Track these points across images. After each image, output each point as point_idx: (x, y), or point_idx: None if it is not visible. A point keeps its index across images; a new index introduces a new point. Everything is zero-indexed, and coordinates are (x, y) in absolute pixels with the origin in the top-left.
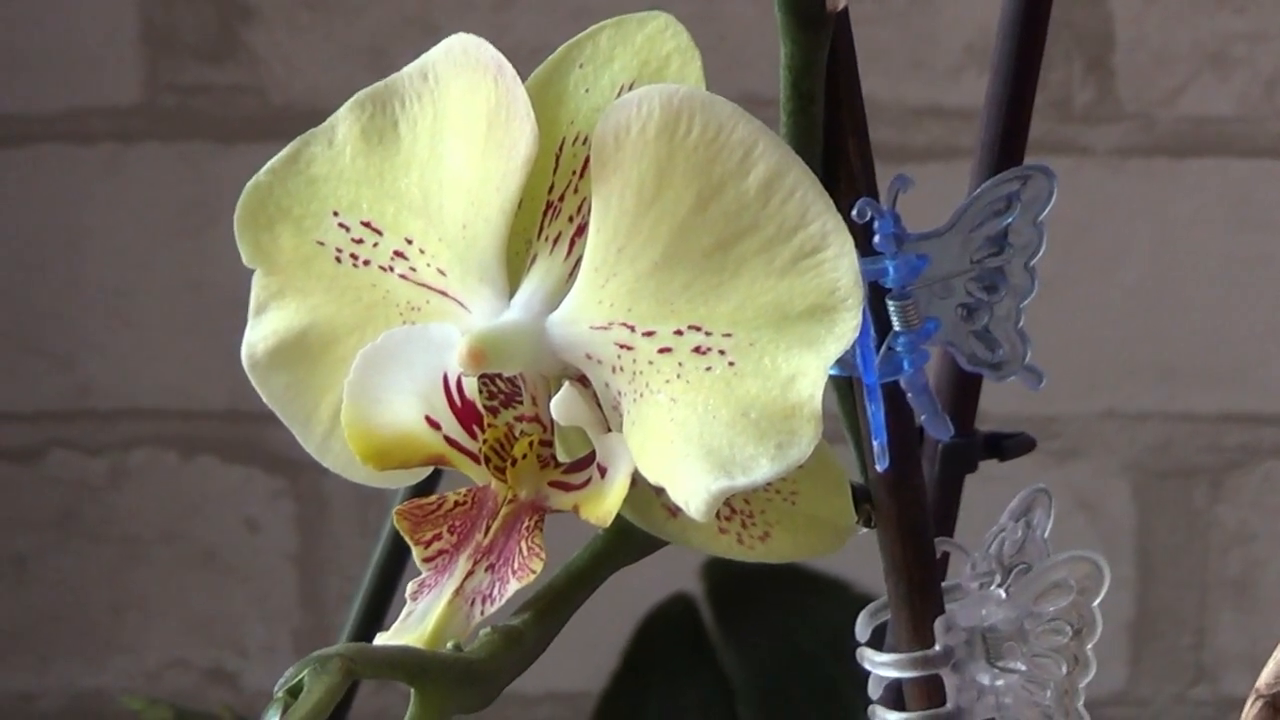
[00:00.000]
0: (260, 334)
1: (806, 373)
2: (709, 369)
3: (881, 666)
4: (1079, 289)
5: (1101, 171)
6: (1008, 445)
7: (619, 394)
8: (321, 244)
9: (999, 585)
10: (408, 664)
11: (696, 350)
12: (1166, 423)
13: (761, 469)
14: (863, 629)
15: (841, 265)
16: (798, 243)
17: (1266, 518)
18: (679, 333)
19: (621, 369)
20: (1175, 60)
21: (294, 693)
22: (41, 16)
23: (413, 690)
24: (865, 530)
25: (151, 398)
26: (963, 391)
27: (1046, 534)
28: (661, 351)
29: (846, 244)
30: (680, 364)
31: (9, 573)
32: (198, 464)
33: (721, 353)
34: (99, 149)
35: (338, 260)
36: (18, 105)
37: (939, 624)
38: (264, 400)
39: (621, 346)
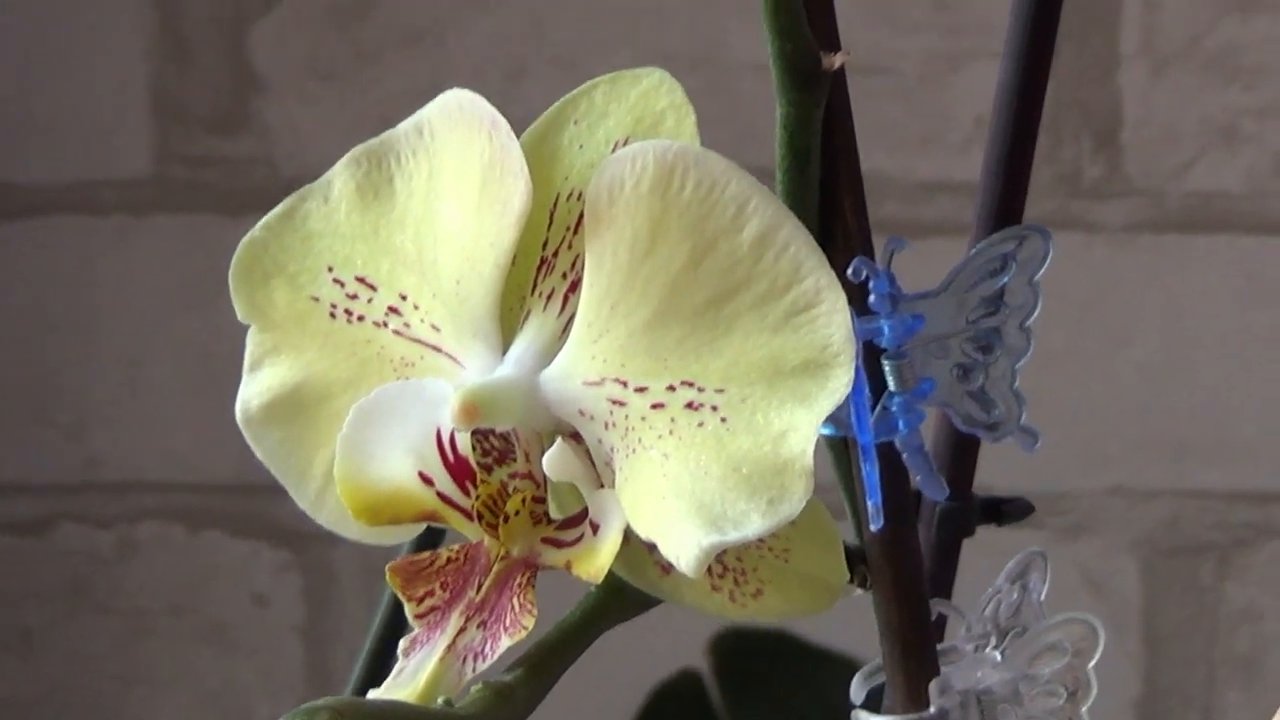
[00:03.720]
0: (254, 390)
1: (799, 428)
2: (701, 424)
3: None
4: (1088, 364)
5: (1111, 247)
6: (1006, 510)
7: (611, 450)
8: (316, 300)
9: (994, 648)
10: (397, 718)
11: (689, 406)
12: (1175, 499)
13: (753, 524)
14: (857, 691)
15: (834, 321)
16: (791, 299)
17: (1275, 596)
18: (672, 388)
19: (614, 425)
20: (1184, 136)
21: None
22: (52, 87)
23: None
24: (860, 592)
25: (159, 470)
26: (960, 455)
27: (1043, 597)
28: (654, 407)
29: (840, 300)
30: (673, 419)
31: (17, 645)
32: (205, 537)
33: (714, 408)
34: (109, 220)
35: (332, 316)
36: (28, 176)
37: (934, 686)
38: (258, 457)
39: (614, 402)
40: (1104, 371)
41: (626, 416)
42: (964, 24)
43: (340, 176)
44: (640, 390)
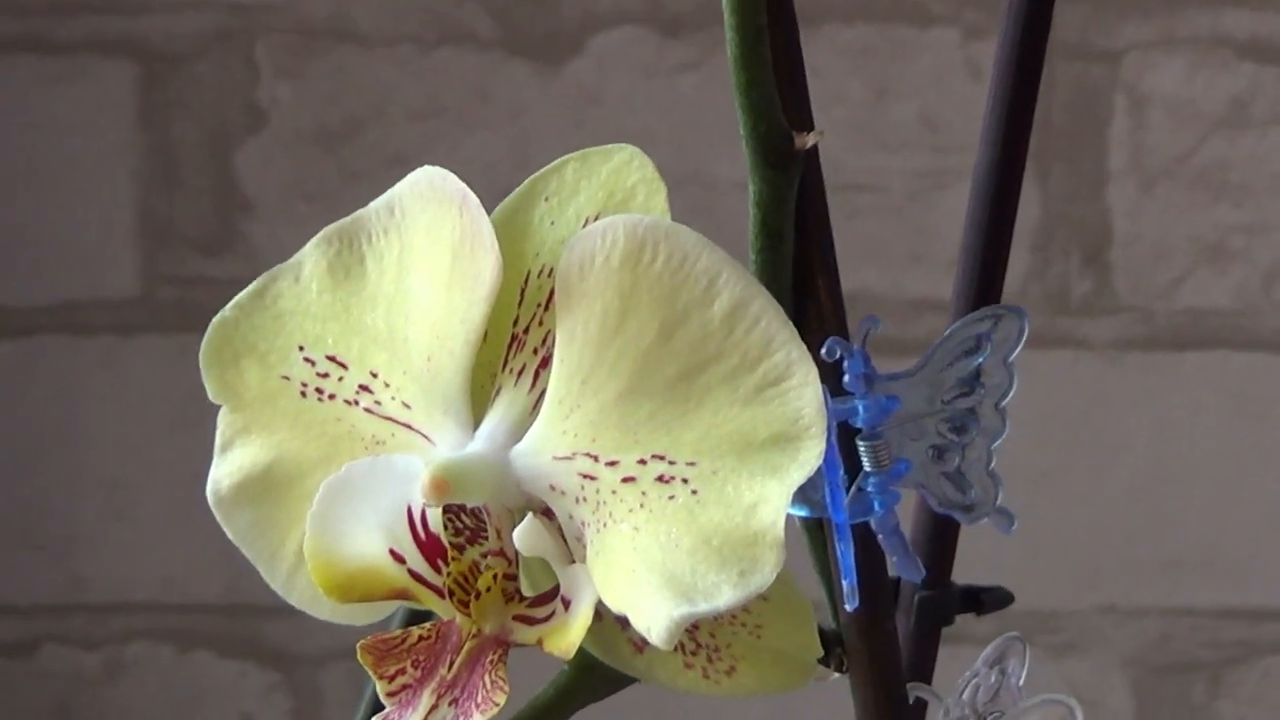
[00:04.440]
0: (225, 470)
1: (769, 500)
2: (672, 497)
3: None
4: (1077, 482)
5: (1100, 364)
6: (985, 599)
7: (583, 524)
8: (287, 379)
9: None
10: None
11: (660, 479)
12: (1165, 618)
13: (724, 596)
14: None
15: (805, 394)
16: (762, 372)
17: (1266, 713)
18: (642, 462)
19: (585, 499)
20: (1173, 253)
21: None
22: (39, 208)
23: None
24: (837, 676)
25: (147, 591)
26: (939, 543)
27: (1021, 682)
28: (625, 481)
29: (810, 373)
30: (644, 493)
31: None
32: (193, 658)
33: (685, 481)
34: (97, 341)
35: (303, 395)
36: (16, 297)
37: None
38: (230, 537)
39: (585, 477)
40: (1094, 489)
41: (598, 490)
42: (951, 143)
43: (311, 256)
44: (611, 464)
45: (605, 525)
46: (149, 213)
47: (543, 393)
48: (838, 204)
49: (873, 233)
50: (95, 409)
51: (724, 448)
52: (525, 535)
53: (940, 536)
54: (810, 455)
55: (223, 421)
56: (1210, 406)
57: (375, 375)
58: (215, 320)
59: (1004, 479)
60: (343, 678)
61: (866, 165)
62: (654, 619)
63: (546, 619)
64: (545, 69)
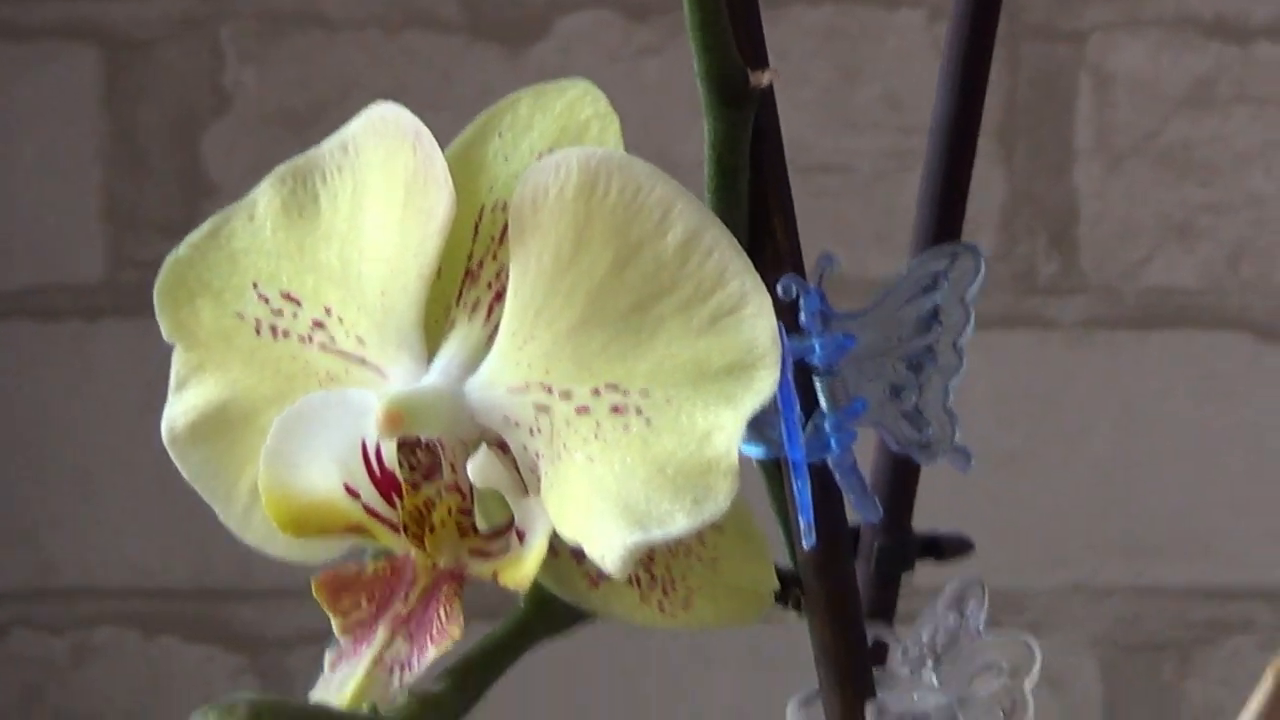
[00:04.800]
0: (180, 409)
1: (723, 428)
2: (626, 427)
3: None
4: (1044, 462)
5: (1066, 344)
6: (945, 545)
7: (537, 456)
8: (241, 316)
9: (930, 670)
10: (318, 718)
11: (614, 409)
12: (1134, 597)
13: (678, 523)
14: (793, 718)
15: (759, 324)
16: (715, 302)
17: (1235, 693)
18: (596, 392)
19: (539, 431)
20: (1139, 232)
21: None
22: (5, 193)
23: None
24: (796, 615)
25: (114, 576)
26: (899, 489)
27: (980, 625)
28: (579, 411)
29: (765, 303)
30: (598, 423)
31: None
32: (160, 643)
33: (638, 411)
34: (63, 326)
35: (257, 332)
36: None
37: (869, 709)
38: (185, 476)
39: (539, 408)
40: (1061, 469)
41: (551, 422)
42: (918, 124)
43: (265, 195)
44: (565, 395)
45: (559, 456)
46: (115, 197)
47: (497, 326)
48: (804, 185)
49: (840, 213)
50: (61, 394)
51: (678, 377)
52: (479, 467)
53: (900, 483)
54: (764, 384)
55: (177, 360)
56: (1178, 386)
57: (329, 311)
58: (169, 259)
59: (971, 458)
60: (311, 661)
61: (833, 146)
62: (608, 547)
63: (501, 552)
64: (511, 52)
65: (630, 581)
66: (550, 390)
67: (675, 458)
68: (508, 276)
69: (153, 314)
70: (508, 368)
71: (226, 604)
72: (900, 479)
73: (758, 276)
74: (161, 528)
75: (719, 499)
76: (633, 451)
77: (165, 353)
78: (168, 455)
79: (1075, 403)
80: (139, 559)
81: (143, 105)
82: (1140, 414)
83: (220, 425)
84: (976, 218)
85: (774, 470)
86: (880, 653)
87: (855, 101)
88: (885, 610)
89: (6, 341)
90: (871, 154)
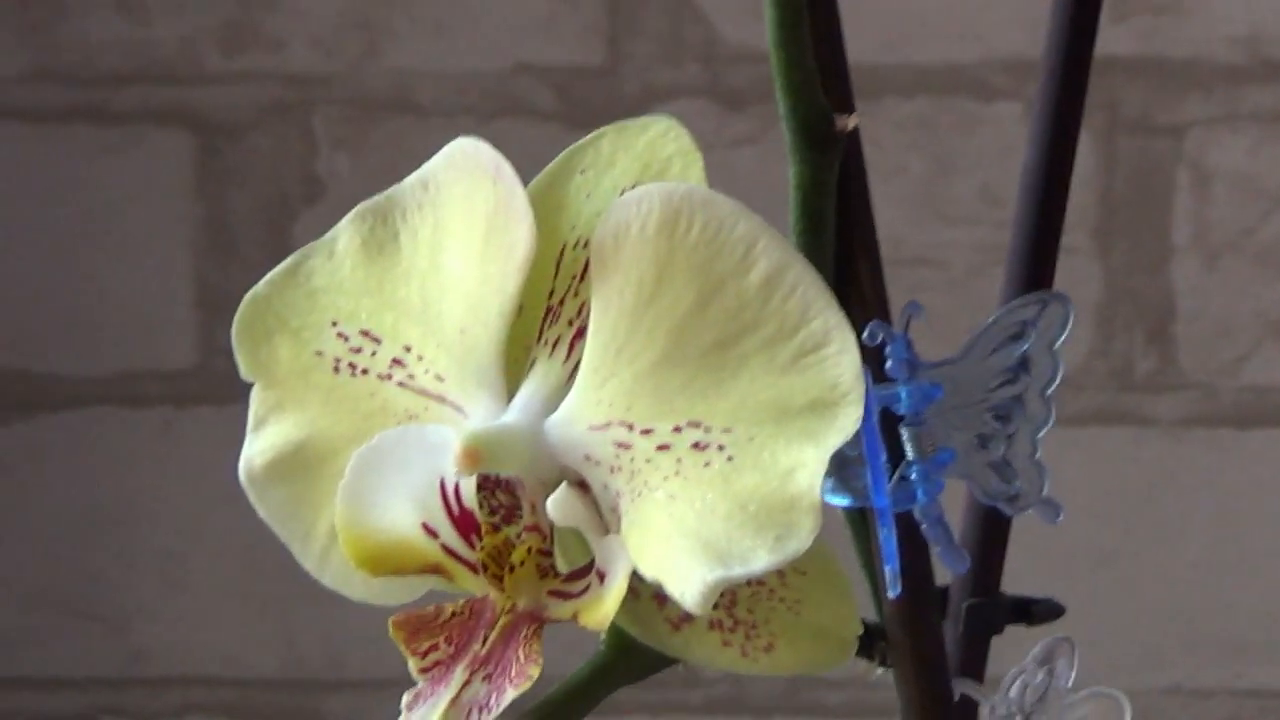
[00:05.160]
0: (258, 448)
1: (806, 464)
2: (708, 464)
3: None
4: (1142, 561)
5: (1164, 442)
6: (1035, 610)
7: (617, 494)
8: (320, 354)
9: None
10: None
11: (695, 446)
12: (1232, 699)
13: (760, 560)
14: None
15: (844, 361)
16: (799, 340)
17: None
18: (678, 429)
19: (620, 469)
20: (1237, 330)
21: None
22: (97, 279)
23: None
24: (881, 671)
25: (203, 665)
26: (988, 550)
27: (1069, 684)
28: (660, 449)
29: (849, 340)
30: (679, 460)
31: None
32: None
33: (720, 448)
34: (153, 412)
35: (335, 370)
36: (72, 368)
37: None
38: (262, 516)
39: (620, 446)
40: (1158, 569)
41: (632, 459)
42: (1013, 217)
43: (345, 233)
44: (646, 433)
45: (640, 494)
46: (206, 284)
47: (577, 364)
48: (898, 279)
49: (934, 307)
50: (150, 480)
51: (760, 415)
52: (559, 505)
53: (990, 543)
54: (848, 421)
55: (255, 399)
56: (1275, 484)
57: (409, 349)
58: (248, 296)
59: (1067, 557)
60: None
61: (927, 240)
62: (688, 584)
63: (581, 593)
64: None
65: (712, 625)
66: (631, 428)
67: (757, 495)
68: (589, 313)
69: (243, 401)
70: (588, 405)
71: (315, 694)
72: (989, 540)
73: (842, 314)
74: (251, 617)
75: (801, 536)
76: (714, 488)
77: None
78: (257, 544)
79: (1173, 501)
80: (228, 648)
81: (235, 191)
82: (1239, 513)
83: (298, 465)
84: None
85: (860, 521)
86: (968, 711)
87: (950, 194)
88: (973, 674)
89: (97, 428)
90: (966, 248)
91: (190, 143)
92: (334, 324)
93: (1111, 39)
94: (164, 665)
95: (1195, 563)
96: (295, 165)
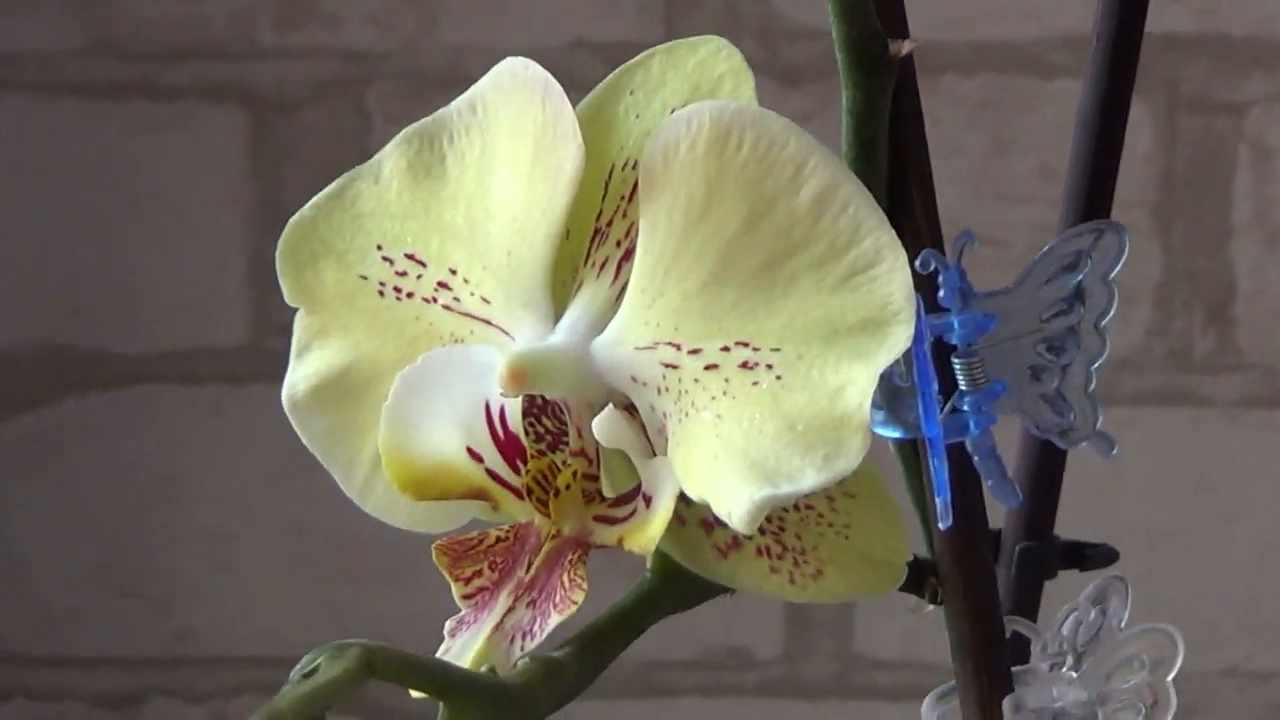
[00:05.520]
0: (301, 374)
1: (855, 382)
2: (756, 383)
3: None
4: (1199, 543)
5: (1222, 422)
6: (1089, 554)
7: (664, 416)
8: (364, 278)
9: (1070, 668)
10: (435, 675)
11: (743, 366)
12: None
13: (807, 479)
14: (929, 714)
15: (895, 280)
16: (850, 259)
17: None
18: (726, 349)
19: (667, 389)
20: None
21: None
22: (150, 255)
23: (441, 705)
24: (931, 608)
25: (252, 645)
26: (1041, 493)
27: (1122, 624)
28: (708, 369)
29: (900, 259)
30: (726, 380)
31: None
32: None
33: (769, 367)
34: (205, 390)
35: (380, 294)
36: (124, 345)
37: (1007, 703)
38: (306, 444)
39: (667, 366)
40: (1216, 551)
41: (680, 380)
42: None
43: (391, 157)
44: (694, 352)
45: (687, 414)
46: (260, 260)
47: (625, 286)
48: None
49: (992, 286)
50: (202, 458)
51: (810, 333)
52: (605, 426)
53: (1043, 487)
54: (898, 340)
55: (299, 325)
56: None
57: (454, 272)
58: (292, 220)
59: (1124, 537)
60: None
61: (986, 218)
62: (735, 503)
63: (627, 518)
64: None
65: (760, 552)
66: (679, 348)
67: (806, 413)
68: (637, 234)
69: None
70: (636, 326)
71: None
72: (1043, 483)
73: (893, 233)
74: (300, 596)
75: (850, 455)
76: (762, 408)
77: None
78: (307, 524)
79: (1231, 482)
80: (277, 627)
81: (289, 168)
82: None
83: (343, 391)
84: (1132, 292)
85: (911, 456)
86: (1019, 650)
87: (1008, 173)
88: (1025, 615)
89: (148, 405)
90: (1024, 227)
91: (244, 119)
92: (379, 248)
93: (1172, 16)
94: (213, 645)
95: (1253, 544)
96: (349, 141)
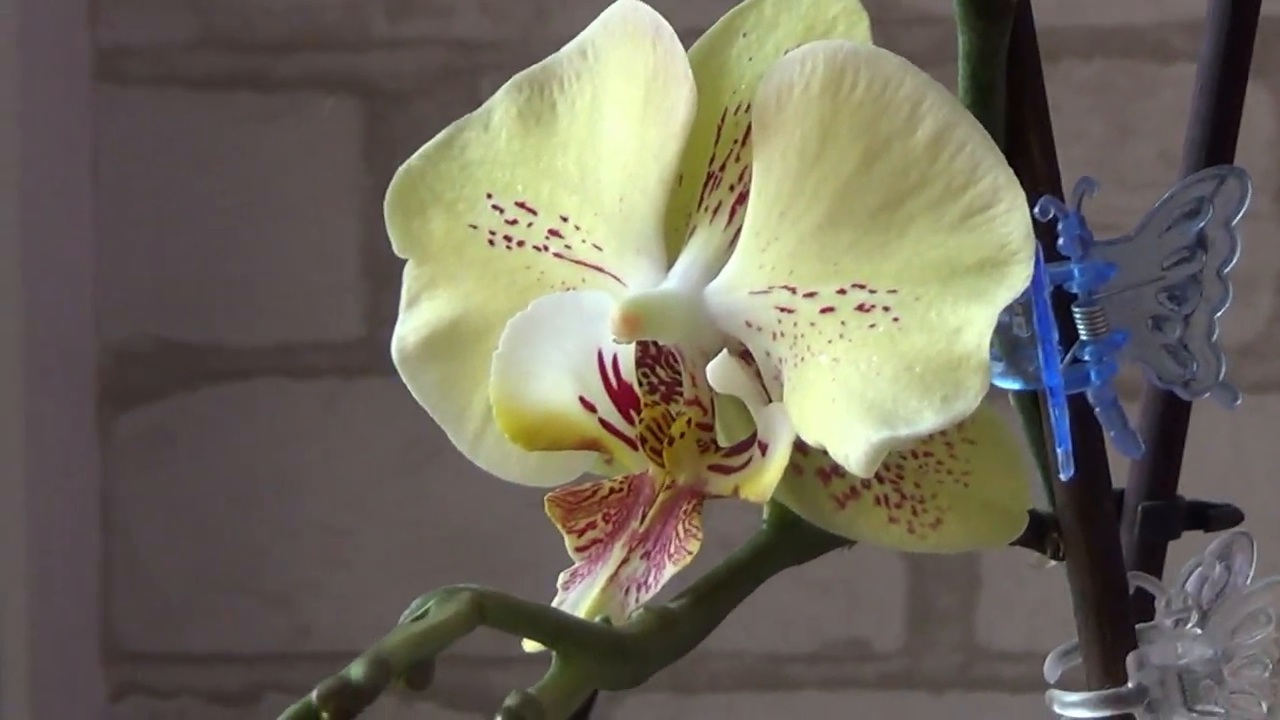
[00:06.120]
0: (411, 326)
1: (974, 323)
2: (873, 326)
3: (1071, 707)
4: None
5: None
6: (1213, 515)
7: (780, 361)
8: (474, 227)
9: (1194, 625)
10: (547, 623)
11: (860, 308)
12: None
13: (926, 421)
14: (1051, 670)
15: (1013, 220)
16: (968, 199)
17: None
18: (842, 291)
19: (782, 334)
20: None
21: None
22: (263, 248)
23: (554, 655)
24: (1053, 564)
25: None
26: (1165, 453)
27: (1248, 581)
28: (824, 312)
29: (1018, 198)
30: (843, 323)
31: None
32: (417, 709)
33: (886, 309)
34: (319, 384)
35: (490, 243)
36: (236, 339)
37: (1131, 660)
38: (415, 397)
39: (782, 310)
40: None
41: (795, 324)
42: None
43: (501, 104)
44: (810, 295)
45: (803, 359)
46: (373, 253)
47: (739, 230)
48: None
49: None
50: (316, 453)
51: (927, 275)
52: (720, 372)
53: (1167, 447)
54: (1018, 280)
55: (409, 276)
56: None
57: (565, 219)
58: (401, 170)
59: (1246, 526)
60: None
61: (1106, 204)
62: (853, 446)
63: (743, 466)
64: None
65: (878, 501)
66: (794, 291)
67: (924, 355)
68: (750, 178)
69: None
70: (750, 270)
71: (483, 669)
72: (1167, 441)
73: (1011, 172)
74: (417, 590)
75: (969, 396)
76: (880, 350)
77: (420, 413)
78: (422, 516)
79: None
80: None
81: (402, 159)
82: None
83: (453, 342)
84: (1253, 277)
85: (1031, 408)
86: (1143, 607)
87: (1129, 158)
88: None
89: (261, 399)
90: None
91: (357, 110)
92: (489, 196)
93: None
94: (329, 641)
95: None
96: None
